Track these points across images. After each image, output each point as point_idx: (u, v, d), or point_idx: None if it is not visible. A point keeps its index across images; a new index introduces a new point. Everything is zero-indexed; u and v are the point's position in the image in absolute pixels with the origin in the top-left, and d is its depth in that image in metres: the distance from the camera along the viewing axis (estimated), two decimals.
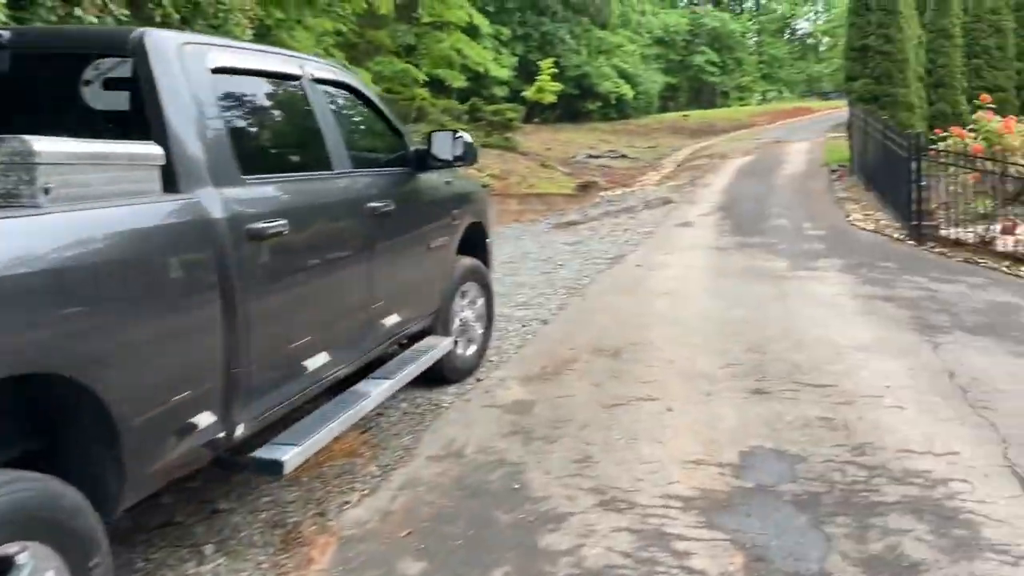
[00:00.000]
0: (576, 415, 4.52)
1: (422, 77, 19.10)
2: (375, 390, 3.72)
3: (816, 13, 59.42)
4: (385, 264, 3.91)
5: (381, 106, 4.29)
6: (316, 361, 3.44)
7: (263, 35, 10.31)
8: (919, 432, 4.10)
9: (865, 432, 4.12)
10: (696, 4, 52.49)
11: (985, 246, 10.04)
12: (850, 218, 11.93)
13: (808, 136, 24.52)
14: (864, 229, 11.25)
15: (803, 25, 59.98)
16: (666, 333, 6.21)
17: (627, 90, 33.63)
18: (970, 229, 10.31)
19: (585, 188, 16.67)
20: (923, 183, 10.61)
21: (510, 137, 20.81)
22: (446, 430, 4.38)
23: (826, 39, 58.58)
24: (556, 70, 24.07)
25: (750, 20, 54.40)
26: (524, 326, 6.60)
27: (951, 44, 15.41)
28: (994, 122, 10.07)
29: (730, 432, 4.20)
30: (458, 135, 4.38)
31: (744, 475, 3.70)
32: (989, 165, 10.16)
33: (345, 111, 4.06)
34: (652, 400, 4.72)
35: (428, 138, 4.46)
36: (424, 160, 4.41)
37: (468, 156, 4.42)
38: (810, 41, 58.62)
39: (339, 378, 3.75)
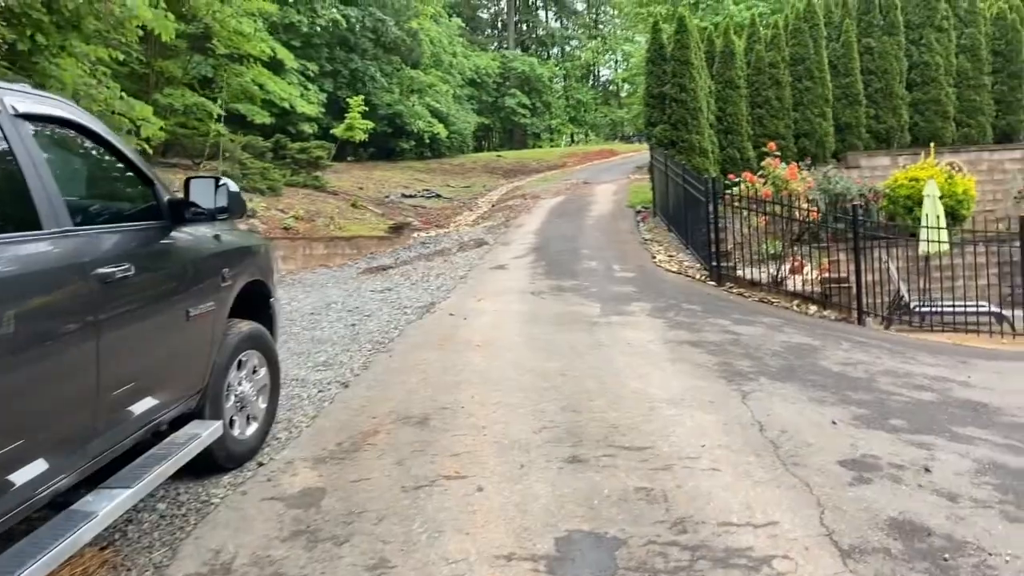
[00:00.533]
0: (373, 504, 3.92)
1: (218, 111, 17.79)
2: (105, 507, 2.93)
3: (616, 63, 63.10)
4: (123, 341, 3.15)
5: (122, 148, 3.51)
6: (23, 474, 2.65)
7: (13, 63, 8.98)
8: (738, 500, 3.87)
9: (685, 503, 3.84)
10: (505, 48, 53.99)
11: (777, 286, 10.57)
12: (656, 259, 12.23)
13: (614, 177, 25.51)
14: (669, 270, 11.54)
15: (605, 73, 63.47)
16: (479, 393, 5.75)
17: (441, 129, 33.56)
18: (763, 269, 10.84)
19: (398, 229, 16.13)
20: (720, 225, 11.05)
21: (319, 176, 19.88)
22: (212, 536, 3.62)
23: (626, 86, 62.45)
24: (366, 108, 23.47)
25: (556, 66, 56.71)
26: (321, 391, 5.91)
27: (737, 94, 16.53)
28: (780, 168, 10.73)
29: (545, 514, 3.77)
30: (221, 183, 3.71)
31: (560, 570, 3.26)
32: (777, 209, 10.75)
33: (68, 154, 3.27)
34: (461, 478, 4.21)
35: (186, 185, 3.74)
36: (181, 212, 3.68)
37: (233, 208, 3.75)
38: (612, 88, 62.05)
39: (60, 490, 2.93)
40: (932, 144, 16.35)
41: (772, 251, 11.40)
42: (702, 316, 8.59)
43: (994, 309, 11.12)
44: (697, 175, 12.75)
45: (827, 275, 10.44)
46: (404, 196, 23.08)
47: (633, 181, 23.40)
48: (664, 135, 15.85)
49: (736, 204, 11.10)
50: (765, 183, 10.82)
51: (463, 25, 47.44)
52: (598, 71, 63.05)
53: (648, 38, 16.61)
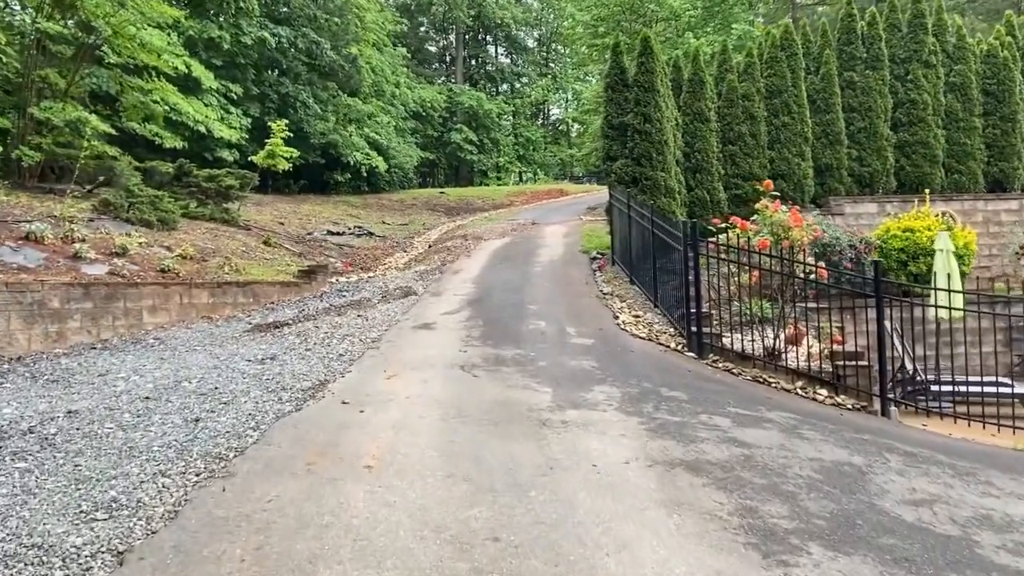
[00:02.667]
0: None
1: (103, 128, 15.07)
2: None
3: (566, 101, 61.92)
4: None
5: None
6: None
7: None
8: None
9: None
10: (452, 82, 52.15)
11: (773, 360, 8.35)
12: (619, 320, 9.93)
13: (564, 218, 23.39)
14: (636, 336, 9.24)
15: (555, 111, 62.14)
16: None
17: (380, 162, 31.14)
18: (753, 336, 8.63)
19: (311, 274, 13.56)
20: (701, 281, 8.83)
21: (229, 208, 17.22)
22: None
23: (576, 126, 61.23)
24: (292, 134, 20.94)
25: (506, 102, 55.05)
26: (83, 570, 3.37)
27: (707, 128, 14.58)
28: (780, 213, 8.62)
29: None
30: None
31: None
32: (774, 263, 8.58)
33: None
34: None
35: None
36: None
37: None
38: (562, 127, 60.69)
39: None
40: (927, 191, 14.60)
41: (760, 313, 9.23)
42: (691, 410, 6.26)
43: (1019, 389, 9.09)
44: (670, 219, 10.57)
45: (838, 348, 8.26)
46: (330, 233, 20.51)
47: (586, 223, 21.28)
48: (625, 171, 13.73)
49: (724, 256, 8.90)
50: (760, 230, 8.66)
51: (408, 56, 45.38)
52: (548, 109, 61.71)
53: (608, 63, 14.56)
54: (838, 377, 7.96)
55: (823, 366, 8.22)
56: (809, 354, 8.39)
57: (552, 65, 60.04)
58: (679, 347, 8.85)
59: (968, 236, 12.89)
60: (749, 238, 8.70)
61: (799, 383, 7.98)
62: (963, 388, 9.61)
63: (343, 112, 30.67)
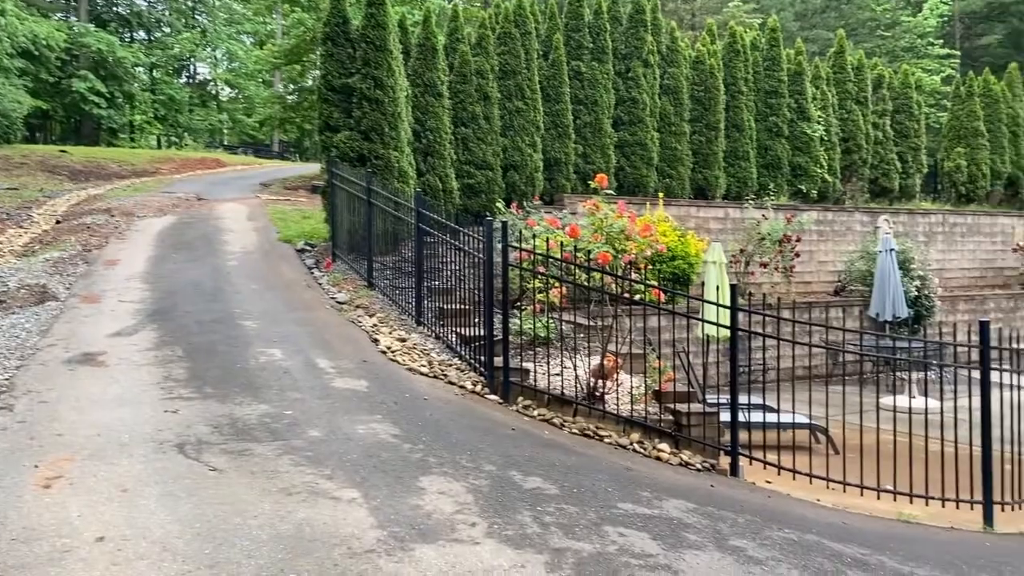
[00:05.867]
0: None
1: None
2: None
3: (216, 60, 55.50)
4: None
5: None
6: None
7: None
8: None
9: None
10: (75, 19, 43.33)
11: (594, 402, 6.62)
12: (381, 345, 7.44)
13: (238, 195, 19.64)
14: (417, 371, 6.87)
15: (204, 70, 55.29)
16: None
17: None
18: (560, 366, 6.84)
19: None
20: (506, 302, 6.78)
21: None
22: None
23: (228, 89, 55.19)
24: None
25: (144, 53, 47.32)
26: None
27: (440, 105, 12.56)
28: (618, 217, 6.87)
29: None
30: None
31: None
32: (595, 277, 6.82)
33: None
34: None
35: None
36: None
37: None
38: (212, 89, 54.18)
39: None
40: (660, 194, 14.21)
41: (551, 336, 7.50)
42: (583, 519, 4.17)
43: (804, 420, 8.58)
44: (438, 211, 8.37)
45: (670, 389, 6.80)
46: None
47: (268, 203, 17.93)
48: (351, 146, 11.11)
49: (540, 271, 6.90)
50: (595, 240, 6.82)
51: None
52: (195, 67, 54.69)
53: (328, 6, 11.70)
54: (679, 427, 6.47)
55: (654, 412, 6.68)
56: (632, 394, 6.80)
57: (200, 17, 53.19)
58: (477, 388, 6.69)
59: (699, 243, 12.64)
60: (565, 243, 6.84)
61: (634, 436, 6.34)
62: (761, 419, 8.78)
63: None
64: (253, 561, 3.37)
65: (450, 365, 7.11)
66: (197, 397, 5.62)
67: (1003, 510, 6.12)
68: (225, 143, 49.74)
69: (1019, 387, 6.97)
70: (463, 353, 7.28)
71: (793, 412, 8.38)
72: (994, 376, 6.54)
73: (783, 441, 8.02)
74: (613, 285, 6.86)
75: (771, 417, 8.37)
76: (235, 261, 10.96)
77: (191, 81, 54.75)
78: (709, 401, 8.08)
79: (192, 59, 54.28)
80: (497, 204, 12.14)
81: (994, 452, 6.22)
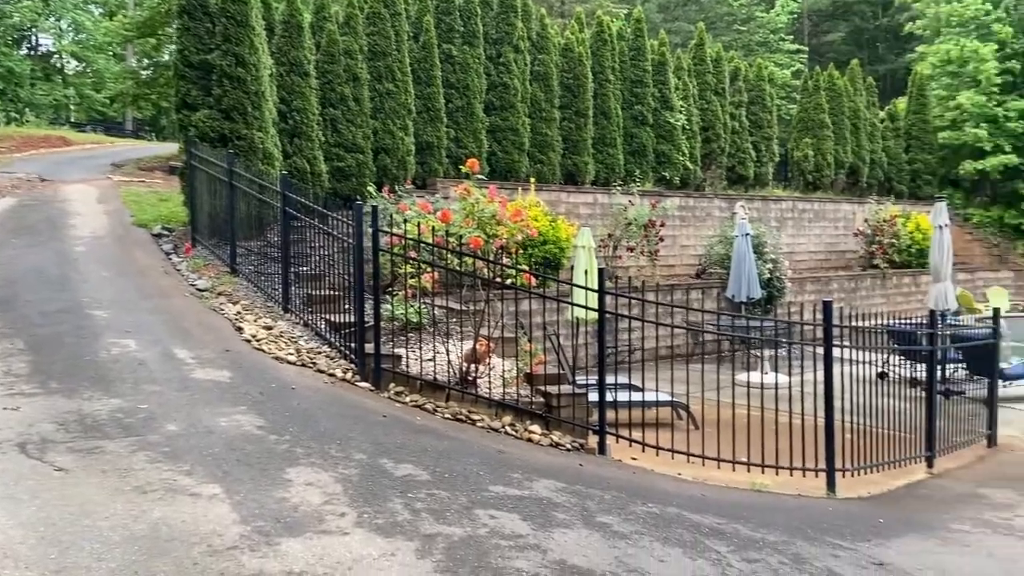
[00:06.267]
0: None
1: None
2: None
3: (61, 31, 51.46)
4: None
5: None
6: None
7: None
8: None
9: None
10: None
11: (467, 387, 6.66)
12: (245, 333, 7.16)
13: (86, 175, 18.31)
14: (284, 360, 6.66)
15: (47, 42, 51.07)
16: None
17: None
18: (433, 350, 6.84)
19: None
20: (380, 285, 6.69)
21: None
22: None
23: (74, 62, 51.30)
24: None
25: None
26: None
27: (307, 85, 12.14)
28: (489, 201, 6.83)
29: None
30: None
31: None
32: (467, 262, 6.81)
33: None
34: None
35: None
36: None
37: None
38: (56, 62, 50.19)
39: None
40: (532, 180, 14.36)
41: (422, 320, 7.49)
42: (455, 504, 4.19)
43: (667, 398, 8.91)
44: (306, 195, 8.13)
45: (541, 371, 6.93)
46: None
47: (121, 185, 16.80)
48: (211, 126, 10.59)
49: (412, 256, 6.82)
50: (465, 223, 6.77)
51: None
52: (37, 38, 50.48)
53: None
54: (549, 408, 6.60)
55: (525, 395, 6.79)
56: (504, 378, 6.88)
57: None
58: (348, 375, 6.57)
59: (569, 228, 12.92)
60: (437, 229, 6.80)
61: (506, 419, 6.42)
62: (627, 398, 9.04)
63: None
64: (104, 564, 3.18)
65: (319, 353, 6.94)
66: (41, 393, 5.23)
67: (844, 476, 6.64)
68: (72, 120, 46.24)
69: (859, 362, 7.57)
70: (333, 340, 7.13)
71: (657, 391, 8.76)
72: (837, 352, 7.08)
73: (649, 419, 8.36)
74: (485, 270, 6.89)
75: (637, 396, 8.68)
76: (83, 247, 10.24)
77: (33, 53, 50.60)
78: (579, 382, 8.29)
79: (34, 29, 50.09)
80: (368, 188, 11.93)
81: (837, 423, 6.73)
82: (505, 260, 6.91)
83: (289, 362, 6.60)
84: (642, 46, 17.28)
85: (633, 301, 7.43)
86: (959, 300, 16.54)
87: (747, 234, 14.40)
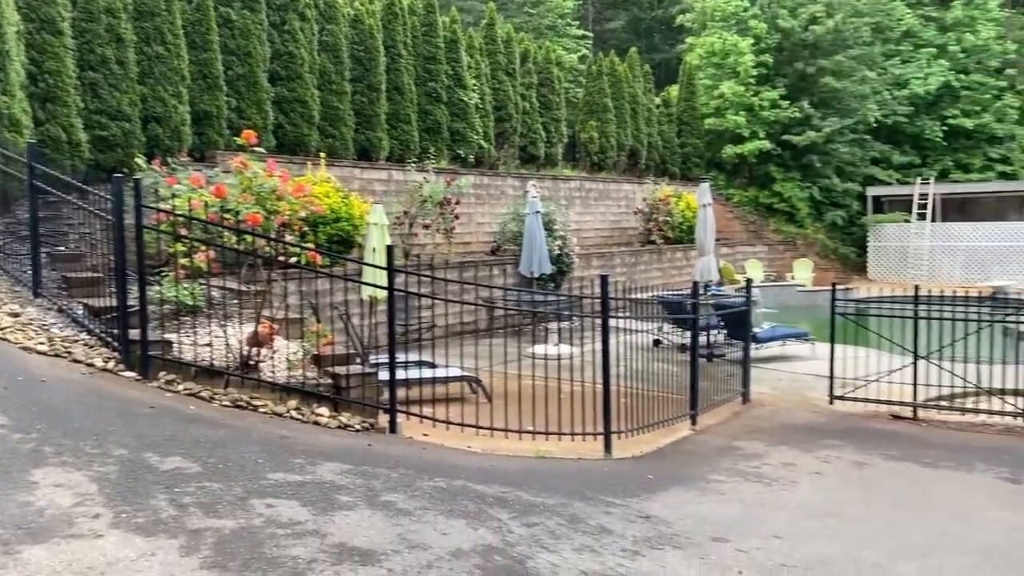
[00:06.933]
0: None
1: None
2: None
3: None
4: None
5: None
6: None
7: None
8: None
9: None
10: None
11: (249, 372, 6.37)
12: None
13: None
14: (34, 350, 5.96)
15: None
16: None
17: None
18: (212, 339, 6.47)
19: None
20: (145, 264, 6.17)
21: None
22: None
23: None
24: None
25: None
26: None
27: (61, 45, 10.80)
28: (267, 175, 6.40)
29: None
30: None
31: None
32: (248, 240, 6.44)
33: None
34: None
35: None
36: None
37: None
38: None
39: None
40: (323, 155, 13.87)
41: (197, 302, 7.04)
42: (229, 496, 3.98)
43: (461, 373, 9.02)
44: (62, 167, 7.30)
45: (330, 352, 6.73)
46: None
47: None
48: None
49: (184, 235, 6.31)
50: (243, 198, 6.31)
51: None
52: None
53: None
54: (338, 389, 6.45)
55: (311, 377, 6.59)
56: (290, 360, 6.64)
57: None
58: (110, 365, 6.01)
59: (363, 205, 12.69)
60: (223, 207, 6.37)
61: (292, 403, 6.20)
62: (418, 375, 9.01)
63: None
64: None
65: (76, 341, 6.30)
66: None
67: (620, 438, 7.09)
68: None
69: (638, 331, 8.10)
70: (93, 327, 6.50)
71: (452, 366, 8.85)
72: (619, 323, 7.52)
73: (443, 394, 8.46)
74: (267, 248, 6.57)
75: (431, 373, 8.74)
76: None
77: None
78: (373, 361, 8.20)
79: None
80: (137, 160, 10.97)
81: (617, 388, 7.16)
82: (289, 238, 6.62)
83: (39, 352, 5.93)
84: (434, 22, 17.25)
85: (430, 278, 7.44)
86: (722, 272, 18.23)
87: (538, 212, 14.91)
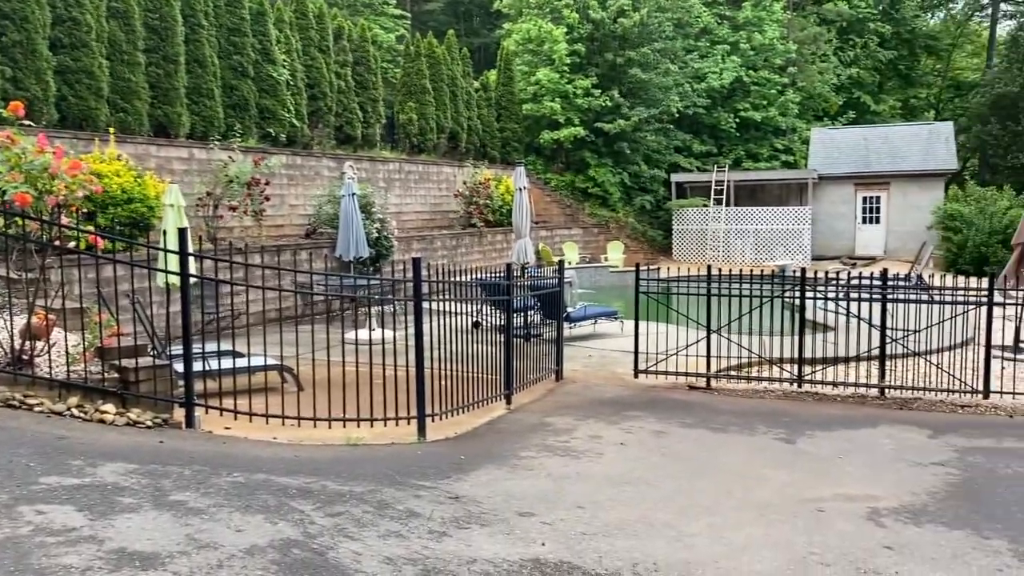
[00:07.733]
0: None
1: None
2: None
3: None
4: None
5: None
6: None
7: None
8: None
9: None
10: None
11: (22, 367, 5.76)
12: None
13: None
14: None
15: None
16: None
17: None
18: None
19: None
20: None
21: None
22: None
23: None
24: None
25: None
26: None
27: None
28: (39, 152, 5.64)
29: None
30: None
31: None
32: (17, 222, 5.74)
33: None
34: None
35: None
36: None
37: None
38: None
39: None
40: (112, 130, 12.73)
41: None
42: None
43: (270, 361, 8.63)
44: None
45: (116, 344, 6.19)
46: None
47: None
48: None
49: None
50: (12, 172, 5.55)
51: None
52: None
53: None
54: (126, 384, 5.96)
55: (96, 371, 6.04)
56: (71, 354, 6.05)
57: None
58: None
59: (159, 185, 11.83)
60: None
61: (72, 400, 5.66)
62: (219, 365, 8.49)
63: None
64: None
65: None
66: None
67: (434, 420, 7.09)
68: None
69: (457, 313, 8.10)
70: None
71: (261, 355, 8.44)
72: (439, 306, 7.49)
73: (253, 385, 8.07)
74: (40, 232, 5.93)
75: (238, 362, 8.30)
76: None
77: None
78: (172, 353, 7.66)
79: None
80: None
81: (435, 371, 7.14)
82: (65, 220, 6.01)
83: None
84: None
85: (240, 263, 7.03)
86: (540, 254, 18.74)
87: (354, 194, 14.56)
